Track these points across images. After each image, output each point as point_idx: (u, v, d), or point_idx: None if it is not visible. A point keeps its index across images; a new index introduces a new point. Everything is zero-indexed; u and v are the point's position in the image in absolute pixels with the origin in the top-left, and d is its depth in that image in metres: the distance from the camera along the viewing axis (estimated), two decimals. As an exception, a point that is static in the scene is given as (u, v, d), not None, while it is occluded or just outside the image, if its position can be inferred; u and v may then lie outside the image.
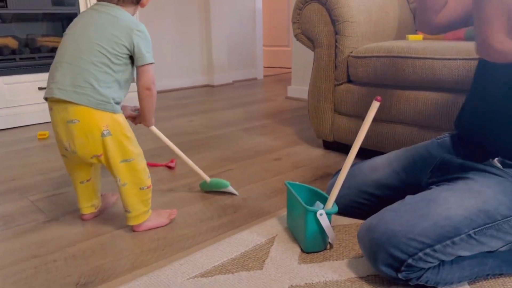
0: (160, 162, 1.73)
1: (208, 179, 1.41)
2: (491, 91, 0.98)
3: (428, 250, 0.82)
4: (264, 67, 4.66)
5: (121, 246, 1.10)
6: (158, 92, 3.59)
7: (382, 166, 1.16)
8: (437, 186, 0.94)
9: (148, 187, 1.15)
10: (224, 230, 1.18)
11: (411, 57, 1.46)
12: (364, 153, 1.26)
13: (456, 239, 0.83)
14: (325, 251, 1.04)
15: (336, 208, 1.04)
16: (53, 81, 1.05)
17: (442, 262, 0.86)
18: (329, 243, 1.06)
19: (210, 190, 1.43)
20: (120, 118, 1.09)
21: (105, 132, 1.05)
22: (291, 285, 0.91)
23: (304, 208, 1.01)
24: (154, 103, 1.16)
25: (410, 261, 0.83)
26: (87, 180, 1.20)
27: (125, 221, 1.17)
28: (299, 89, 3.16)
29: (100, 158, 1.08)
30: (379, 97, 0.92)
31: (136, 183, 1.12)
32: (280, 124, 2.40)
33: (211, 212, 1.29)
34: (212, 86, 3.92)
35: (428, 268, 0.85)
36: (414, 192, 0.94)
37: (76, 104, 1.02)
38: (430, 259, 0.83)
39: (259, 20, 4.31)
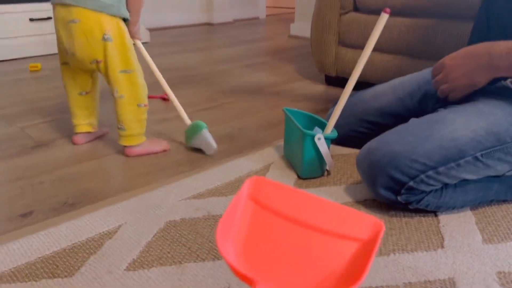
0: (155, 95, 1.66)
1: (188, 121, 1.21)
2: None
3: (430, 172, 0.78)
4: (267, 7, 4.46)
5: (111, 170, 1.06)
6: (154, 29, 3.45)
7: (385, 93, 1.10)
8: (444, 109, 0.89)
9: (145, 105, 1.11)
10: (218, 158, 1.13)
11: (423, -18, 1.35)
12: (361, 87, 1.20)
13: (462, 161, 0.78)
14: (322, 177, 1.01)
15: (335, 133, 0.99)
16: None
17: (445, 186, 0.81)
18: (327, 170, 1.02)
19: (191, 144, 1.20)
20: (123, 25, 1.05)
21: (105, 36, 1.01)
22: (286, 209, 0.88)
23: (302, 132, 0.95)
24: (141, 5, 1.07)
25: (411, 183, 0.79)
26: (87, 92, 1.16)
27: (117, 140, 1.13)
28: (302, 26, 3.03)
29: (100, 64, 1.04)
30: (387, 9, 0.84)
31: (133, 98, 1.08)
32: (281, 62, 2.31)
33: (206, 141, 1.24)
34: (212, 25, 3.76)
35: (430, 192, 0.81)
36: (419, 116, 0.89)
37: (80, 6, 0.98)
38: (432, 182, 0.79)
39: (263, -46, 4.07)
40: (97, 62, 1.04)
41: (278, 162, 1.09)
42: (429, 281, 0.66)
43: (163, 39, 3.05)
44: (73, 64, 1.09)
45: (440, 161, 0.78)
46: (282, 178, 1.00)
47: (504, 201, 0.87)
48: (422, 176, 0.78)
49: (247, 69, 2.13)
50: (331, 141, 1.00)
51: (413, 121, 0.86)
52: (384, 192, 0.82)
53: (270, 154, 1.14)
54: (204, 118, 1.41)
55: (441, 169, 0.78)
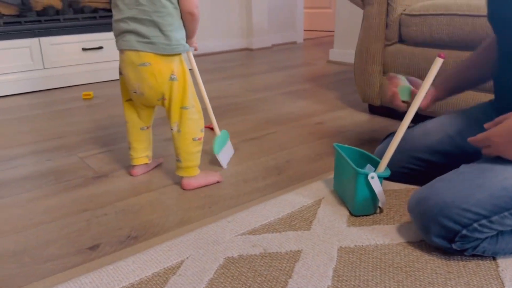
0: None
1: (218, 132, 1.39)
2: None
3: (484, 221, 0.78)
4: (304, 30, 4.52)
5: (169, 203, 1.11)
6: (195, 55, 3.57)
7: (435, 131, 1.10)
8: None
9: (199, 139, 1.18)
10: (269, 191, 1.16)
11: (471, 15, 1.36)
12: (414, 118, 1.20)
13: None
14: (374, 215, 1.02)
15: (388, 172, 1.00)
16: (126, 35, 1.07)
17: (501, 232, 0.81)
18: (379, 207, 1.03)
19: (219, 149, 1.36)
20: (184, 61, 1.14)
21: (172, 76, 1.11)
22: (341, 247, 0.89)
23: (355, 170, 0.97)
24: (197, 26, 1.14)
25: (464, 231, 0.78)
26: (147, 127, 1.24)
27: (175, 171, 1.20)
28: (342, 52, 3.05)
29: (165, 101, 1.14)
30: (443, 54, 0.86)
31: (190, 133, 1.16)
32: (322, 88, 2.33)
33: (255, 173, 1.28)
34: (251, 50, 3.85)
35: (485, 238, 0.80)
36: (470, 157, 0.89)
37: (151, 52, 1.07)
38: (486, 230, 0.78)
39: (300, -19, 4.15)
40: (163, 99, 1.13)
41: (329, 197, 1.11)
42: (495, 331, 0.66)
43: (205, 65, 3.14)
44: (139, 101, 1.17)
45: (492, 210, 0.77)
46: (334, 215, 1.02)
47: None
48: (475, 225, 0.78)
49: (289, 96, 2.17)
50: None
51: (463, 168, 0.86)
52: (437, 240, 0.82)
53: (320, 188, 1.16)
54: (250, 149, 1.46)
55: (494, 218, 0.77)
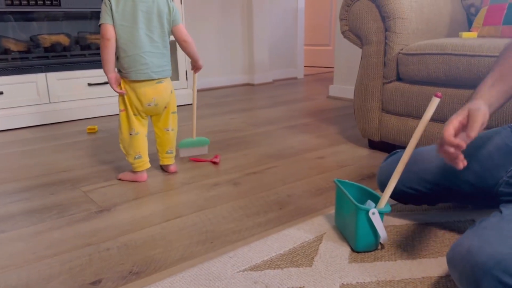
0: (205, 158, 1.75)
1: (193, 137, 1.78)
2: None
3: None
4: (304, 66, 4.63)
5: (171, 238, 1.12)
6: (200, 90, 3.64)
7: None
8: None
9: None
10: (270, 226, 1.17)
11: (466, 55, 1.40)
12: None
13: None
14: (376, 251, 1.02)
15: (389, 208, 1.01)
16: (145, 67, 1.41)
17: None
18: (380, 243, 1.04)
19: (188, 151, 1.78)
20: None
21: (172, 90, 1.52)
22: (342, 284, 0.89)
23: (356, 206, 0.99)
24: (195, 48, 1.54)
25: None
26: (145, 135, 1.53)
27: (163, 162, 1.59)
28: (342, 88, 3.12)
29: (166, 109, 1.51)
30: (439, 93, 0.89)
31: (176, 130, 1.58)
32: (323, 123, 2.37)
33: (257, 208, 1.29)
34: (253, 85, 3.93)
35: None
36: (486, 187, 0.84)
37: (163, 77, 1.47)
38: None
39: (301, 19, 4.28)
40: (166, 107, 1.51)
41: (331, 232, 1.11)
42: None
43: (207, 100, 3.20)
44: (148, 112, 1.48)
45: None
46: (336, 251, 1.02)
47: None
48: None
49: (290, 130, 2.21)
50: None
51: (508, 211, 0.82)
52: None
53: (322, 224, 1.16)
54: (251, 183, 1.48)
55: None
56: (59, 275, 0.96)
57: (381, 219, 0.99)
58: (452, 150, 0.83)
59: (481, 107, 0.85)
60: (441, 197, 1.08)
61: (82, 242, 1.10)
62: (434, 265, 0.95)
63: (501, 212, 0.83)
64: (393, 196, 1.12)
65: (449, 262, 0.82)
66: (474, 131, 0.82)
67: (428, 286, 0.88)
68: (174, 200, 1.36)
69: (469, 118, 0.84)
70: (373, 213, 0.98)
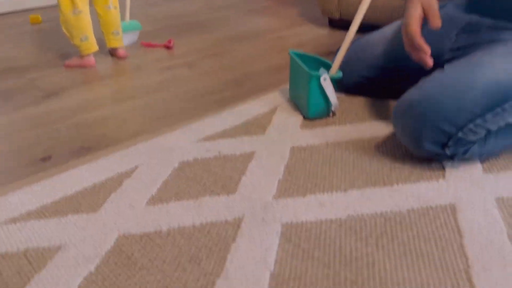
0: (157, 43, 1.66)
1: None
2: None
3: (478, 121, 0.76)
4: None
5: (123, 116, 1.09)
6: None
7: (394, 35, 1.06)
8: (468, 50, 0.87)
9: None
10: (226, 103, 1.16)
11: None
12: (367, 29, 1.19)
13: (506, 105, 0.76)
14: (327, 118, 1.03)
15: (340, 74, 1.00)
16: None
17: (488, 133, 0.80)
18: (332, 111, 1.05)
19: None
20: None
21: None
22: (293, 147, 0.91)
23: (308, 73, 0.97)
24: None
25: (460, 134, 0.77)
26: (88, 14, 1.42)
27: (110, 45, 1.50)
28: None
29: None
30: None
31: (118, 9, 1.49)
32: (283, 6, 2.26)
33: (212, 88, 1.26)
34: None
35: (475, 141, 0.79)
36: (436, 60, 0.85)
37: None
38: (479, 130, 0.77)
39: None
40: None
41: (284, 104, 1.11)
42: (431, 207, 0.71)
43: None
44: None
45: (486, 107, 0.76)
46: (289, 120, 1.03)
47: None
48: (471, 125, 0.76)
49: (250, 14, 2.10)
50: (338, 83, 1.02)
51: (449, 68, 0.83)
52: (430, 146, 0.79)
53: (276, 98, 1.16)
54: (209, 65, 1.43)
55: (488, 116, 0.76)
56: (7, 154, 0.93)
57: (333, 85, 0.99)
58: (421, 53, 0.84)
59: None
60: (391, 80, 1.08)
61: (30, 124, 1.07)
62: (383, 127, 0.97)
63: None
64: (345, 88, 1.12)
65: (393, 117, 0.85)
66: (437, 19, 0.84)
67: (375, 144, 0.91)
68: (126, 84, 1.31)
69: (426, 10, 0.85)
70: (325, 79, 0.97)
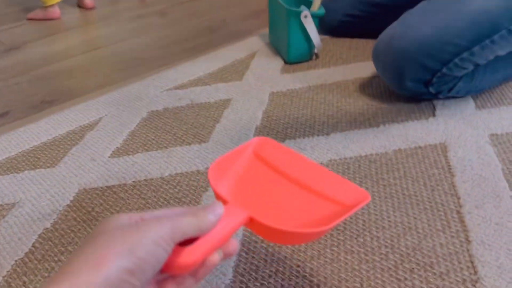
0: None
1: None
2: None
3: (465, 54, 0.69)
4: None
5: (88, 68, 1.01)
6: None
7: None
8: None
9: None
10: (200, 50, 1.07)
11: None
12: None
13: (496, 36, 0.69)
14: (310, 61, 0.96)
15: (323, 10, 0.92)
16: None
17: (476, 68, 0.73)
18: (315, 53, 0.97)
19: None
20: None
21: None
22: (272, 92, 0.85)
23: (287, 10, 0.89)
24: None
25: (444, 70, 0.70)
26: None
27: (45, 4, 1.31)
28: None
29: None
30: None
31: None
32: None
33: (186, 35, 1.17)
34: None
35: (461, 77, 0.73)
36: None
37: None
38: (466, 65, 0.71)
39: None
40: None
41: (264, 49, 1.03)
42: (420, 147, 0.65)
43: None
44: None
45: (473, 39, 0.69)
46: (268, 65, 0.95)
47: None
48: (456, 59, 0.70)
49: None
50: (320, 22, 0.94)
51: None
52: (412, 84, 0.73)
53: (255, 43, 1.07)
54: (181, 12, 1.34)
55: (475, 48, 0.69)
56: (-40, 111, 0.85)
57: (315, 24, 0.90)
58: None
59: None
60: (377, 17, 1.00)
61: (-13, 79, 0.98)
62: (369, 68, 0.90)
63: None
64: (329, 29, 1.05)
65: (374, 54, 0.78)
66: None
67: (359, 85, 0.84)
68: (92, 34, 1.22)
69: None
70: (305, 16, 0.88)
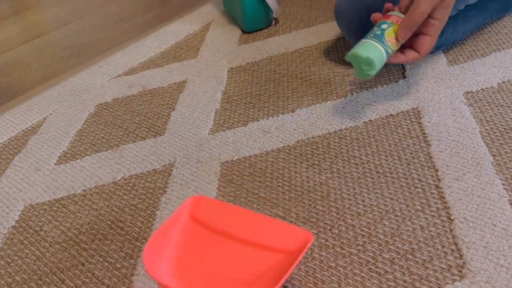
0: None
1: None
2: None
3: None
4: None
5: (29, 60, 0.91)
6: None
7: None
8: None
9: None
10: (150, 26, 0.98)
11: None
12: None
13: None
14: (269, 28, 0.88)
15: (276, -29, 0.84)
16: None
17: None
18: (274, 18, 0.90)
19: None
20: None
21: None
22: (231, 68, 0.78)
23: (237, -25, 0.80)
24: None
25: None
26: None
27: None
28: None
29: None
30: None
31: None
32: None
33: (133, 9, 1.07)
34: None
35: None
36: None
37: None
38: None
39: None
40: None
41: (219, 19, 0.95)
42: (391, 115, 0.60)
43: None
44: None
45: None
46: (224, 36, 0.88)
47: (498, 19, 0.77)
48: None
49: None
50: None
51: None
52: None
53: (209, 12, 0.99)
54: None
55: None
56: None
57: (269, -13, 0.83)
58: None
59: None
60: None
61: None
62: (331, 29, 0.83)
63: None
64: None
65: (336, 13, 0.71)
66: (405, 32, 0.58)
67: (324, 50, 0.78)
68: (32, 20, 1.10)
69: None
70: (258, -21, 0.80)
